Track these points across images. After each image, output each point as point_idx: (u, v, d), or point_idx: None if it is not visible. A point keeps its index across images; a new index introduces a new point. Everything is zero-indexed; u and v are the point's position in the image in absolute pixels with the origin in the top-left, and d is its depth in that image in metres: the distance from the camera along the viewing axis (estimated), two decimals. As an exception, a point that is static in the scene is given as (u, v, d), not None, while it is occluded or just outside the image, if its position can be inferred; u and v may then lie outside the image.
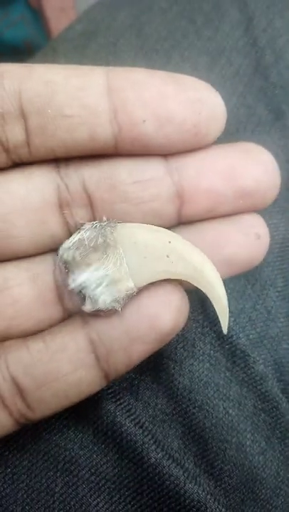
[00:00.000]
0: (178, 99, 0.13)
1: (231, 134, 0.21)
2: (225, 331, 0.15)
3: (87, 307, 0.14)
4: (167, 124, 0.13)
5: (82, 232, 0.14)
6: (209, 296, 0.14)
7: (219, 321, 0.18)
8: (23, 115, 0.13)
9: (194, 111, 0.13)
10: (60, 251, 0.14)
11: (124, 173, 0.14)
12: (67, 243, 0.14)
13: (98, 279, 0.14)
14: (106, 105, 0.13)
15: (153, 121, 0.13)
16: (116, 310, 0.14)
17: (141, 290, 0.14)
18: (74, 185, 0.14)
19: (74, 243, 0.14)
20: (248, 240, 0.14)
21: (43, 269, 0.15)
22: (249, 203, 0.14)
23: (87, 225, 0.14)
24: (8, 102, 0.13)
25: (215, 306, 0.14)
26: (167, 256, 0.14)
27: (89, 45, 0.22)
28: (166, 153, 0.14)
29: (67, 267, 0.14)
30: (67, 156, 0.14)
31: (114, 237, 0.14)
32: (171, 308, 0.14)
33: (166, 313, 0.14)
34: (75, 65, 0.14)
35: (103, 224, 0.14)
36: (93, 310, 0.14)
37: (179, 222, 0.15)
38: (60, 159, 0.14)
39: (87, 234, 0.14)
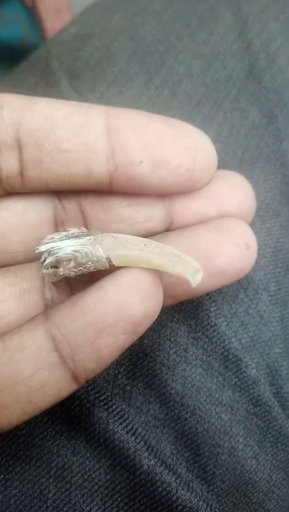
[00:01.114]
0: (175, 144, 0.13)
1: (225, 137, 0.21)
2: (194, 284, 0.13)
3: (47, 260, 0.13)
4: (163, 167, 0.13)
5: (69, 231, 0.14)
6: (182, 271, 0.13)
7: (212, 326, 0.18)
8: (20, 146, 0.13)
9: (190, 157, 0.14)
10: (45, 240, 0.14)
11: (119, 197, 0.14)
12: (52, 234, 0.14)
13: (69, 245, 0.13)
14: (104, 143, 0.13)
15: (150, 163, 0.13)
16: (80, 264, 0.13)
17: (106, 277, 0.13)
18: (70, 205, 0.14)
19: (59, 235, 0.14)
20: (239, 250, 0.14)
21: (30, 284, 0.14)
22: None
23: (75, 228, 0.14)
24: (5, 132, 0.13)
25: (188, 276, 0.13)
26: (145, 245, 0.13)
27: (83, 47, 0.22)
28: (159, 194, 0.14)
29: (44, 249, 0.13)
30: (60, 190, 0.14)
31: (97, 232, 0.14)
32: (140, 292, 0.12)
33: (135, 297, 0.12)
34: (75, 101, 0.14)
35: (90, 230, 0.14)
36: (53, 261, 0.13)
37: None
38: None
39: (72, 231, 0.14)
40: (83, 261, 0.13)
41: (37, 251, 0.13)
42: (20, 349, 0.12)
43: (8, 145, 0.13)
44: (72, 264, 0.13)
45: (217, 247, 0.14)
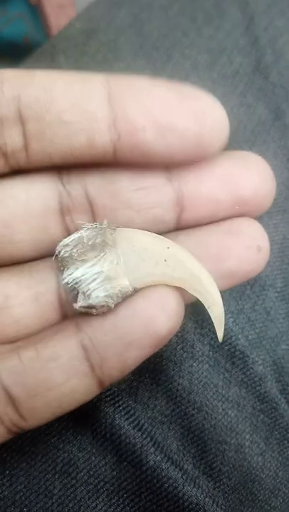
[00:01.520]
0: (180, 108, 0.13)
1: (231, 133, 0.21)
2: (220, 339, 0.14)
3: (80, 303, 0.13)
4: (168, 133, 0.13)
5: (81, 231, 0.14)
6: (205, 304, 0.14)
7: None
8: (22, 120, 0.13)
9: (197, 121, 0.13)
10: (58, 248, 0.14)
11: (126, 180, 0.14)
12: (66, 240, 0.14)
13: (93, 275, 0.13)
14: (106, 112, 0.13)
15: (153, 129, 0.13)
16: (109, 307, 0.13)
17: (135, 294, 0.13)
18: (76, 191, 0.14)
19: (72, 241, 0.13)
20: (249, 253, 0.14)
21: (45, 287, 0.14)
22: (245, 210, 0.14)
23: (87, 226, 0.14)
24: (6, 106, 0.13)
25: (211, 314, 0.14)
26: (165, 260, 0.13)
27: (89, 43, 0.22)
28: (167, 163, 0.14)
29: (63, 264, 0.14)
30: (64, 164, 0.14)
31: (114, 237, 0.14)
32: (167, 311, 0.13)
33: (162, 316, 0.13)
34: (75, 71, 0.13)
35: (103, 226, 0.14)
36: (85, 305, 0.13)
37: (178, 228, 0.15)
38: (61, 167, 0.14)
39: (87, 233, 0.13)
40: (114, 304, 0.13)
41: (62, 282, 0.14)
42: (53, 358, 0.13)
43: (11, 120, 0.13)
44: (105, 309, 0.13)
45: (227, 251, 0.14)
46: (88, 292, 0.13)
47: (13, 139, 0.13)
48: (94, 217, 0.14)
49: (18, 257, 0.14)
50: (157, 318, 0.13)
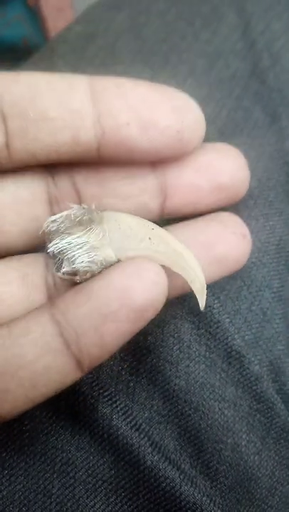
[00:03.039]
0: (162, 106, 0.13)
1: (228, 136, 0.21)
2: (202, 308, 0.14)
3: (64, 269, 0.13)
4: (151, 128, 0.13)
5: (69, 210, 0.14)
6: (188, 279, 0.14)
7: (215, 323, 0.18)
8: (3, 117, 0.13)
9: (178, 118, 0.13)
10: (46, 223, 0.14)
11: (112, 169, 0.14)
12: (54, 217, 0.14)
13: (78, 244, 0.14)
14: (90, 108, 0.13)
15: (137, 124, 0.13)
16: (93, 272, 0.13)
17: (112, 267, 0.13)
18: (63, 181, 0.14)
19: (60, 217, 0.14)
20: (236, 239, 0.15)
21: (33, 269, 0.14)
22: (224, 196, 0.15)
23: (75, 206, 0.14)
24: None
25: (193, 288, 0.14)
26: (149, 238, 0.14)
27: (87, 46, 0.22)
28: (150, 159, 0.14)
29: (49, 238, 0.14)
30: (49, 162, 0.14)
31: (100, 216, 0.14)
32: (144, 280, 0.13)
33: (138, 285, 0.12)
34: (59, 73, 0.14)
35: (91, 207, 0.14)
36: (69, 271, 0.13)
37: (162, 216, 0.15)
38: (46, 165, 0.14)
39: (74, 211, 0.14)
40: (98, 271, 0.13)
41: (48, 251, 0.14)
42: (24, 334, 0.12)
43: None
44: (88, 275, 0.13)
45: (216, 236, 0.15)
46: (73, 258, 0.13)
47: None
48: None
49: (7, 247, 0.14)
50: (133, 288, 0.12)
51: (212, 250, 0.15)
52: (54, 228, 0.14)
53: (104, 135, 0.13)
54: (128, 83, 0.13)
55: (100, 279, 0.13)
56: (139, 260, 0.13)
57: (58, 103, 0.13)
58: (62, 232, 0.14)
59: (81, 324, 0.12)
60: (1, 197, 0.14)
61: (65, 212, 0.14)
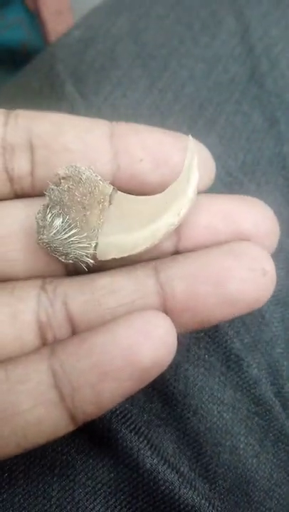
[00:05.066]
0: (174, 147, 0.14)
1: (227, 140, 0.21)
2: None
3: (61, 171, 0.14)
4: (163, 164, 0.14)
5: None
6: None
7: (214, 326, 0.18)
8: (31, 148, 0.14)
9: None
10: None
11: None
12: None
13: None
14: (108, 146, 0.14)
15: (150, 161, 0.14)
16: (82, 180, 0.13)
17: (118, 319, 0.12)
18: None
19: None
20: (253, 276, 0.13)
21: (25, 305, 0.13)
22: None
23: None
24: (18, 136, 0.14)
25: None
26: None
27: (87, 51, 0.22)
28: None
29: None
30: None
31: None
32: (152, 338, 0.12)
33: (145, 344, 0.11)
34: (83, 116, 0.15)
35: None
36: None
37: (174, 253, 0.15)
38: None
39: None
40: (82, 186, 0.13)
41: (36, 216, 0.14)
42: (22, 381, 0.12)
43: (22, 147, 0.14)
44: (71, 182, 0.13)
45: (228, 272, 0.13)
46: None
47: (21, 165, 0.14)
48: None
49: (10, 275, 0.14)
50: (139, 347, 0.11)
51: (223, 288, 0.13)
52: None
53: (120, 169, 0.14)
54: (145, 128, 0.15)
55: (104, 332, 0.12)
56: (148, 313, 0.12)
57: (78, 138, 0.14)
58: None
59: (78, 379, 0.12)
60: (9, 225, 0.14)
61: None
